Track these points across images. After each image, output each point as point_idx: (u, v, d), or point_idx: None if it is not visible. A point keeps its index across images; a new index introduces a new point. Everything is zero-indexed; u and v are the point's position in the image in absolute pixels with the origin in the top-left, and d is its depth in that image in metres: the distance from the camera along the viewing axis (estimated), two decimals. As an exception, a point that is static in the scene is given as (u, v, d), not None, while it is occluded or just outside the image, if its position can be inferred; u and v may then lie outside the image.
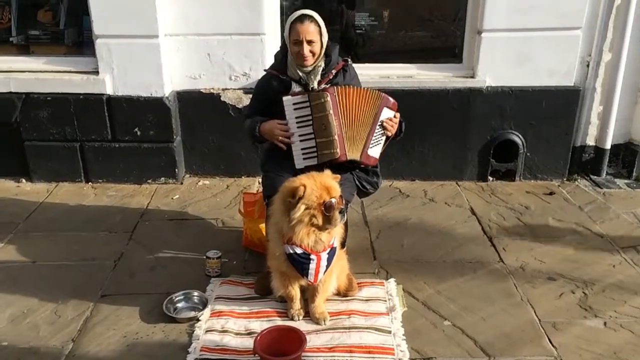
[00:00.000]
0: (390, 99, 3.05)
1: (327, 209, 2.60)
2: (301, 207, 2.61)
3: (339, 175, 2.75)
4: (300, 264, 2.72)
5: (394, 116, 3.07)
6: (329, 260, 2.77)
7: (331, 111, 2.94)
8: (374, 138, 3.02)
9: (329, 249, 2.75)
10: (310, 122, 2.98)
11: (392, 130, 3.06)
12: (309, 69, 3.01)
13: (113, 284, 3.23)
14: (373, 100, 3.00)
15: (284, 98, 2.98)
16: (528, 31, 4.29)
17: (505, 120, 4.52)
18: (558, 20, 4.26)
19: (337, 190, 2.66)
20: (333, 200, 2.60)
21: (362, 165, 3.09)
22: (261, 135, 3.07)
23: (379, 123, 3.02)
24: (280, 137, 2.99)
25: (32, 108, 4.41)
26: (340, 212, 2.62)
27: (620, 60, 4.39)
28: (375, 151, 3.07)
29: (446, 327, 2.85)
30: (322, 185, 2.62)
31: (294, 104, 2.98)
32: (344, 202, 2.69)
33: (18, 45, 4.72)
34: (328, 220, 2.63)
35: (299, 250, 2.68)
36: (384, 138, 3.09)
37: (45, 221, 3.99)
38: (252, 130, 3.10)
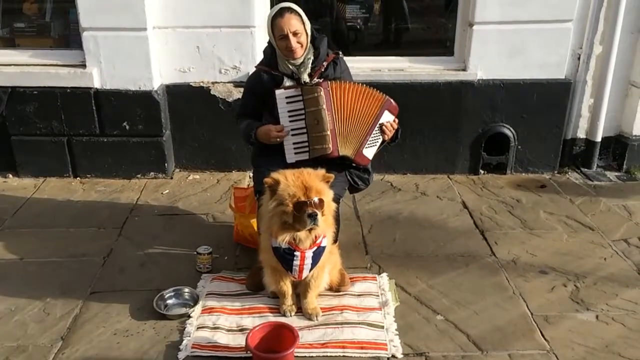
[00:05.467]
0: (393, 102, 3.03)
1: (296, 209, 2.56)
2: (273, 202, 2.59)
3: (332, 175, 2.70)
4: (284, 258, 2.71)
5: (394, 121, 3.05)
6: (315, 259, 2.74)
7: (324, 106, 2.92)
8: (370, 139, 3.01)
9: (315, 247, 2.72)
10: (303, 117, 2.95)
11: (389, 134, 3.05)
12: (299, 61, 2.98)
13: (102, 281, 3.19)
14: (375, 100, 2.98)
15: (277, 91, 2.95)
16: (519, 24, 4.27)
17: (496, 113, 4.51)
18: (549, 12, 4.25)
19: (317, 192, 2.58)
20: (305, 201, 2.54)
21: (355, 164, 3.07)
22: (257, 141, 3.06)
23: (378, 125, 3.00)
24: (274, 135, 2.96)
25: (18, 102, 4.34)
26: (309, 217, 2.54)
27: (611, 53, 4.39)
28: (370, 152, 3.06)
29: (439, 321, 2.84)
30: (301, 184, 2.57)
31: (286, 97, 2.95)
32: (322, 207, 2.59)
33: (3, 38, 4.64)
34: (298, 221, 2.57)
35: (284, 245, 2.66)
36: (380, 140, 3.07)
37: (33, 217, 3.94)
38: (248, 137, 3.08)
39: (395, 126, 3.07)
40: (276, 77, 3.02)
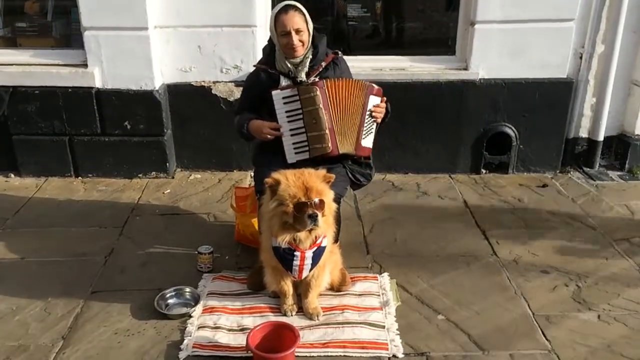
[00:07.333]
0: (375, 85, 3.03)
1: (297, 210, 2.55)
2: (274, 202, 2.59)
3: (333, 176, 2.70)
4: (284, 258, 2.71)
5: (381, 101, 3.06)
6: (315, 259, 2.74)
7: (321, 105, 2.91)
8: (365, 128, 3.01)
9: (315, 247, 2.72)
10: (301, 116, 2.95)
11: (380, 116, 3.06)
12: (298, 60, 2.98)
13: (103, 280, 3.19)
14: (358, 90, 2.98)
15: (273, 92, 2.94)
16: (521, 23, 4.26)
17: (498, 113, 4.50)
18: (551, 11, 4.24)
19: (318, 193, 2.58)
20: (306, 202, 2.54)
21: (357, 157, 3.06)
22: (249, 133, 3.05)
23: (368, 112, 3.00)
24: (266, 131, 2.96)
25: (20, 102, 4.34)
26: (310, 217, 2.54)
27: (613, 52, 4.38)
28: (368, 141, 3.06)
29: (440, 321, 2.84)
30: (301, 185, 2.57)
31: (283, 98, 2.94)
32: (322, 208, 2.59)
33: (5, 38, 4.65)
34: (298, 221, 2.57)
35: (284, 245, 2.66)
36: (374, 126, 3.07)
37: (34, 217, 3.94)
38: (240, 128, 3.08)
39: (384, 106, 3.07)
40: (273, 75, 3.02)
